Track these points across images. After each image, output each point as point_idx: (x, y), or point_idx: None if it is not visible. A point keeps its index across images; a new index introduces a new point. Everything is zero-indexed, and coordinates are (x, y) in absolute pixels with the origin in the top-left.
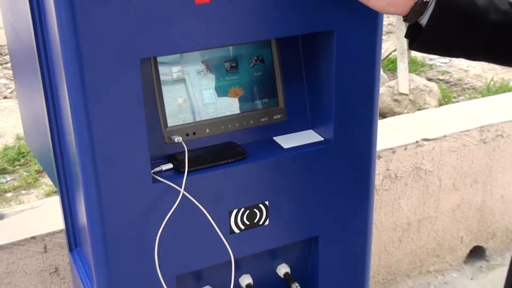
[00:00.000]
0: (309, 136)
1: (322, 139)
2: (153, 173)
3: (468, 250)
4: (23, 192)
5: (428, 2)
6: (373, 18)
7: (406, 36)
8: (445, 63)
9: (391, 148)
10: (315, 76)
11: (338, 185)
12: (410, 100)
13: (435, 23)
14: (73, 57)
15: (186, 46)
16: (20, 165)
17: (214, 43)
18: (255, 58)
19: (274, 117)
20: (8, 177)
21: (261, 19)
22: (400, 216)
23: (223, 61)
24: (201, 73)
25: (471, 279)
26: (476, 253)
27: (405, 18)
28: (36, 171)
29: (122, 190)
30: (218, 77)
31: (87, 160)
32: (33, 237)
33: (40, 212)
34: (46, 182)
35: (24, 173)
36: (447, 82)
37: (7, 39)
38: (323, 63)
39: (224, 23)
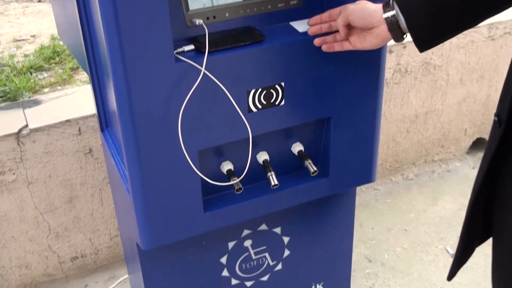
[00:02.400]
0: None
1: None
2: (176, 53)
3: (471, 142)
4: (59, 88)
5: (394, 13)
6: None
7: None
8: None
9: (402, 43)
10: None
11: (349, 71)
12: None
13: (412, 24)
14: None
15: None
16: (55, 63)
17: None
18: None
19: (291, 2)
20: (45, 74)
21: None
22: (409, 108)
23: None
24: None
25: (473, 168)
26: (479, 144)
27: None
28: (70, 68)
29: (147, 70)
30: None
31: (115, 42)
32: (67, 120)
33: (74, 99)
34: (80, 79)
35: (59, 70)
36: None
37: None
38: None
39: None
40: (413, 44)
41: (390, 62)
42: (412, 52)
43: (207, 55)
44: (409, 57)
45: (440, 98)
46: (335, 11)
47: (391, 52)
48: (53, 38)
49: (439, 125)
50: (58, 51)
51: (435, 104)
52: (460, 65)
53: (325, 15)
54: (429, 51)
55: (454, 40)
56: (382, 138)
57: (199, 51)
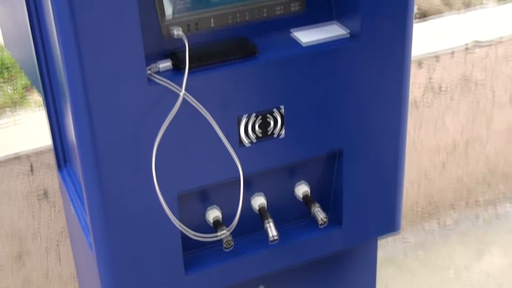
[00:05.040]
0: (332, 30)
1: (347, 33)
2: (149, 71)
3: None
4: (8, 111)
5: None
6: None
7: None
8: None
9: (435, 54)
10: None
11: (365, 90)
12: (463, 2)
13: None
14: None
15: None
16: (4, 80)
17: None
18: None
19: (292, 6)
20: None
21: None
22: (444, 136)
23: None
24: None
25: None
26: None
27: None
28: (23, 87)
29: (113, 93)
30: None
31: (72, 60)
32: (17, 156)
33: (25, 128)
34: (35, 100)
35: (9, 89)
36: None
37: None
38: None
39: None
40: (448, 55)
41: (420, 78)
42: (447, 65)
43: (188, 74)
44: (444, 71)
45: (485, 123)
46: None
47: (420, 65)
48: (1, 48)
49: (484, 158)
50: (8, 65)
51: (478, 130)
52: (509, 81)
53: None
54: (469, 64)
55: (500, 49)
56: (411, 174)
57: (178, 68)
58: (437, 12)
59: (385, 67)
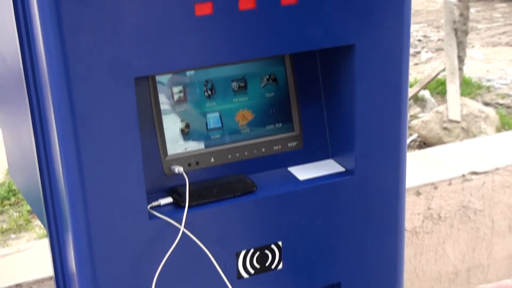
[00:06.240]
0: (329, 167)
1: (343, 169)
2: (150, 208)
3: None
4: (13, 236)
5: None
6: (398, 31)
7: None
8: (506, 84)
9: (433, 183)
10: (335, 97)
11: (361, 223)
12: (462, 128)
13: None
14: (60, 74)
15: (187, 63)
16: (10, 205)
17: (219, 59)
18: (267, 77)
19: (289, 144)
20: None
21: (272, 32)
22: (446, 264)
23: (230, 81)
24: (205, 94)
25: None
26: None
27: None
28: (28, 211)
29: (115, 228)
30: (224, 98)
31: (76, 194)
32: (18, 285)
33: (28, 257)
34: (40, 225)
35: (14, 213)
36: (508, 107)
37: None
38: (343, 83)
39: (230, 37)
40: (445, 183)
41: (419, 207)
42: (445, 193)
43: (187, 211)
44: (442, 199)
45: (485, 250)
46: None
47: (419, 194)
48: (8, 173)
49: None
50: (15, 190)
51: (479, 258)
52: (508, 209)
53: None
54: (467, 192)
55: (497, 178)
56: None
57: (178, 205)
58: (437, 138)
59: (380, 199)
